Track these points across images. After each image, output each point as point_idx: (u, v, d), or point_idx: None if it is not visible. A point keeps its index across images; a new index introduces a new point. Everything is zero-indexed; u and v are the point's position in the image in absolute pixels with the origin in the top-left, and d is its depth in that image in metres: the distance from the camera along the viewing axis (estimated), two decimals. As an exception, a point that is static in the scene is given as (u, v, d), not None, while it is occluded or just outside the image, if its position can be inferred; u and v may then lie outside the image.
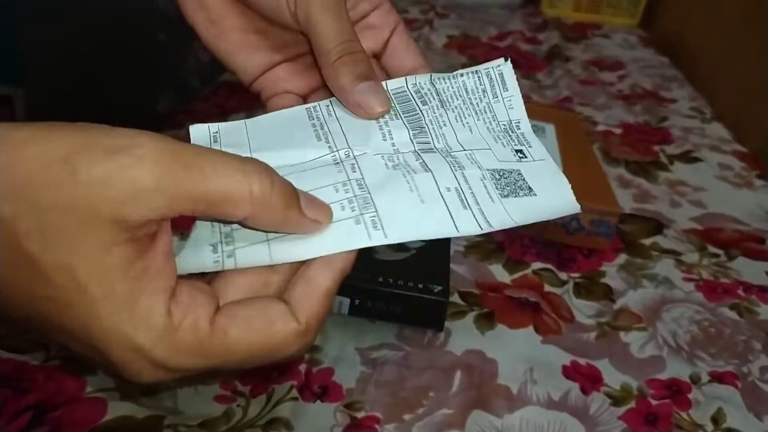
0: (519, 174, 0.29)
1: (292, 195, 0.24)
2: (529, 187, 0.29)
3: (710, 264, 0.57)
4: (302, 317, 0.24)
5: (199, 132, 0.30)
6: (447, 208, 0.27)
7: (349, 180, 0.28)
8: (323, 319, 0.25)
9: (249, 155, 0.28)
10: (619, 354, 0.47)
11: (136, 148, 0.21)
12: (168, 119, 0.68)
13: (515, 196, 0.28)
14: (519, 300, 0.51)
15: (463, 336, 0.47)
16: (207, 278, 0.25)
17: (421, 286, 0.45)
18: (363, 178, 0.28)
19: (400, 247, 0.49)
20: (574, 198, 0.29)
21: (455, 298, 0.50)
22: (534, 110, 0.70)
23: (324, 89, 0.33)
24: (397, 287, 0.45)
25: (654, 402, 0.43)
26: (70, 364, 0.41)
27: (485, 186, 0.29)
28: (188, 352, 0.22)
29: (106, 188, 0.20)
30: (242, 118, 0.31)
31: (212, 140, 0.30)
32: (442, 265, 0.48)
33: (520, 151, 0.31)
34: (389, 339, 0.46)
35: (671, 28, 1.07)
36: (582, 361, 0.46)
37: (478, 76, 0.33)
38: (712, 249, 0.59)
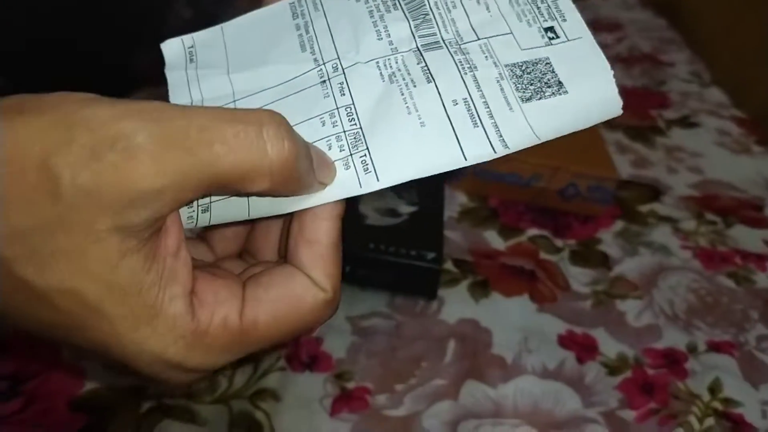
0: (547, 64, 0.24)
1: (308, 158, 0.21)
2: (559, 82, 0.23)
3: (708, 231, 0.56)
4: (326, 284, 0.22)
5: (172, 50, 0.27)
6: (453, 129, 0.23)
7: (338, 109, 0.24)
8: (340, 274, 0.23)
9: (226, 77, 0.26)
10: (615, 323, 0.46)
11: (124, 140, 0.17)
12: (146, 78, 0.65)
13: (540, 98, 0.23)
14: (514, 267, 0.50)
15: (456, 304, 0.46)
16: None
17: (413, 253, 0.44)
18: (353, 104, 0.24)
19: (391, 212, 0.48)
20: (617, 92, 0.23)
21: (448, 265, 0.49)
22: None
23: None
24: (389, 254, 0.44)
25: (650, 371, 0.42)
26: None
27: (502, 89, 0.23)
28: (222, 350, 0.21)
29: (98, 198, 0.17)
30: None
31: (188, 59, 0.27)
32: (436, 231, 0.47)
33: (551, 28, 0.24)
34: (380, 307, 0.45)
35: (670, -11, 1.04)
36: (577, 330, 0.45)
37: None
38: (709, 216, 0.57)
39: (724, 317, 0.47)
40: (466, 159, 0.22)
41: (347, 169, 0.23)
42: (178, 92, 0.26)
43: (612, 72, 0.23)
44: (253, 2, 0.28)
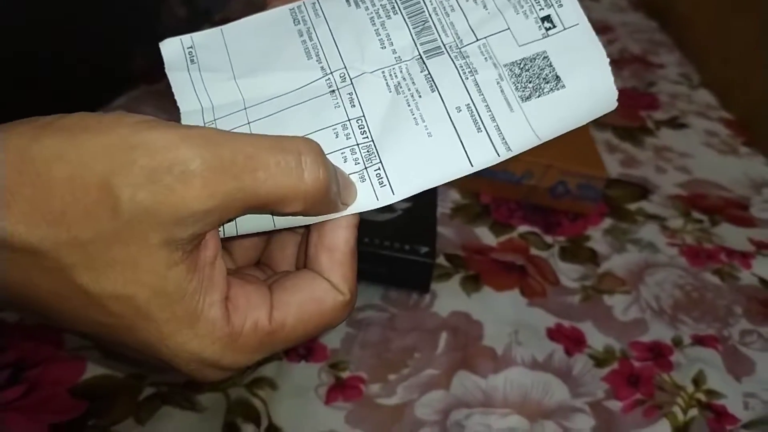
0: (545, 58, 0.24)
1: (337, 183, 0.23)
2: (557, 76, 0.24)
3: (694, 229, 0.57)
4: (344, 287, 0.24)
5: (171, 49, 0.27)
6: (458, 137, 0.24)
7: (349, 120, 0.25)
8: (356, 278, 0.25)
9: (233, 82, 0.27)
10: (602, 317, 0.47)
11: (179, 165, 0.19)
12: (142, 75, 0.66)
13: (539, 95, 0.24)
14: (505, 263, 0.51)
15: (448, 298, 0.47)
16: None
17: (407, 247, 0.45)
18: (364, 116, 0.25)
19: (386, 207, 0.49)
20: (612, 84, 0.24)
21: (441, 260, 0.50)
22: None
23: None
24: (383, 248, 0.45)
25: (636, 364, 0.44)
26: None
27: (502, 90, 0.24)
28: (252, 350, 0.23)
29: (154, 216, 0.19)
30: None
31: (189, 60, 0.27)
32: (429, 226, 0.48)
33: (547, 17, 0.25)
34: (374, 300, 0.46)
35: (661, -8, 1.05)
36: (566, 324, 0.46)
37: None
38: (696, 215, 0.59)
39: (708, 312, 0.48)
40: (472, 165, 0.24)
41: (363, 182, 0.24)
42: (185, 96, 0.27)
43: (608, 60, 0.24)
44: (248, 2, 0.29)
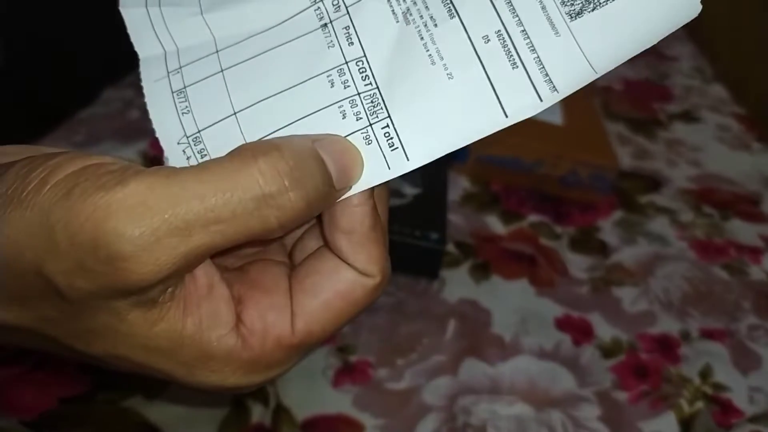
0: None
1: (325, 183, 0.19)
2: None
3: (704, 224, 0.57)
4: (373, 269, 0.21)
5: None
6: (487, 77, 0.18)
7: (347, 63, 0.20)
8: (386, 252, 0.21)
9: (200, 17, 0.22)
10: (610, 308, 0.47)
11: (104, 249, 0.16)
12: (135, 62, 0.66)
13: (593, 8, 0.18)
14: (514, 252, 0.51)
15: (457, 285, 0.47)
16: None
17: (417, 233, 0.45)
18: (365, 56, 0.20)
19: (396, 193, 0.49)
20: None
21: (450, 247, 0.50)
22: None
23: None
24: (393, 233, 0.45)
25: (644, 355, 0.44)
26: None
27: (543, 7, 0.18)
28: (281, 362, 0.21)
29: (104, 297, 0.17)
30: None
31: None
32: (439, 212, 0.48)
33: None
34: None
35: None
36: (574, 314, 0.46)
37: None
38: (706, 209, 0.59)
39: (716, 306, 0.48)
40: (507, 116, 0.18)
41: (369, 144, 0.20)
42: (143, 38, 0.22)
43: None
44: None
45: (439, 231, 0.45)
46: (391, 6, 0.20)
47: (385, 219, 0.22)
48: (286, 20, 0.21)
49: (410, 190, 0.49)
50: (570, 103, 0.60)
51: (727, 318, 0.47)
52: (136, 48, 0.22)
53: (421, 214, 0.46)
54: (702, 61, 0.85)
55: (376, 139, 0.20)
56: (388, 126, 0.19)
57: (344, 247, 0.21)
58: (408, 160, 0.19)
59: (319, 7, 0.20)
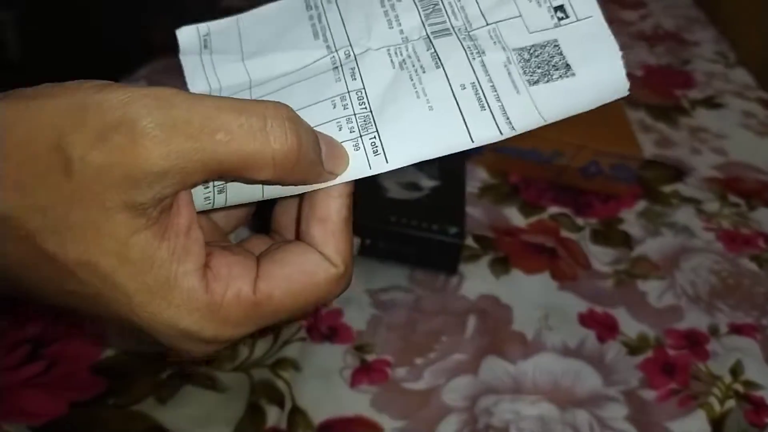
0: (555, 46, 0.24)
1: (315, 150, 0.22)
2: (567, 65, 0.23)
3: (731, 213, 0.55)
4: (337, 260, 0.23)
5: (187, 36, 0.28)
6: (460, 112, 0.23)
7: (348, 93, 0.25)
8: (351, 249, 0.24)
9: (241, 63, 0.27)
10: (636, 302, 0.45)
11: (129, 124, 0.18)
12: (164, 47, 0.65)
13: (547, 81, 0.23)
14: (535, 245, 0.49)
15: (477, 280, 0.45)
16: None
17: (435, 227, 0.43)
18: (364, 89, 0.24)
19: (413, 186, 0.47)
20: (624, 74, 0.23)
21: (469, 241, 0.48)
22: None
23: None
24: (411, 228, 0.43)
25: (671, 352, 0.42)
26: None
27: (509, 73, 0.24)
28: (236, 323, 0.21)
29: (108, 176, 0.18)
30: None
31: (203, 45, 0.28)
32: (457, 206, 0.46)
33: (560, 7, 0.24)
34: (400, 281, 0.44)
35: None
36: (598, 309, 0.45)
37: None
38: (732, 198, 0.57)
39: (746, 300, 0.47)
40: (473, 141, 0.23)
41: (357, 150, 0.23)
42: (196, 78, 0.27)
43: (621, 54, 0.23)
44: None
45: (457, 225, 0.44)
46: (390, 57, 0.25)
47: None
48: (306, 66, 0.26)
49: (427, 183, 0.48)
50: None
51: (757, 312, 0.46)
52: (189, 86, 0.27)
53: (439, 208, 0.45)
54: (724, 45, 0.82)
55: (363, 147, 0.23)
56: (375, 138, 0.23)
57: (317, 234, 0.23)
58: (387, 162, 0.23)
59: (333, 56, 0.26)
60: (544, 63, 0.24)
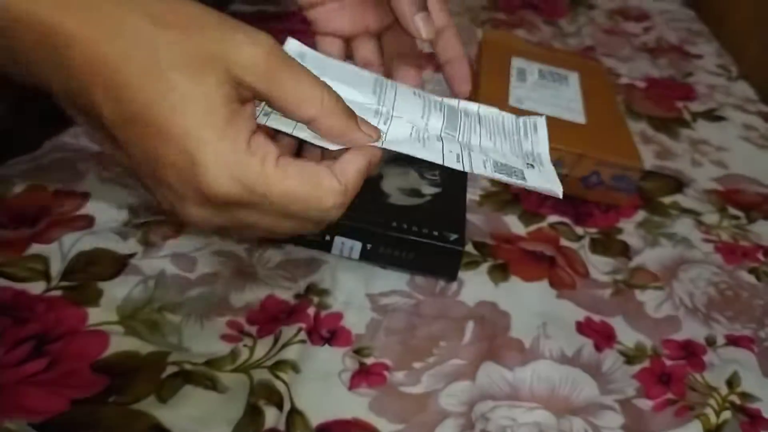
0: (520, 171, 0.34)
1: (352, 112, 0.30)
2: (524, 177, 0.33)
3: (730, 226, 0.55)
4: (343, 180, 0.29)
5: (291, 47, 0.37)
6: (442, 151, 0.33)
7: (381, 110, 0.35)
8: (357, 190, 0.30)
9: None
10: (634, 312, 0.46)
11: (255, 33, 0.27)
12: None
13: (506, 177, 0.33)
14: (534, 253, 0.49)
15: (476, 287, 0.46)
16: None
17: (435, 233, 0.44)
18: (387, 132, 0.33)
19: (415, 192, 0.48)
20: (560, 185, 0.34)
21: (469, 247, 0.49)
22: (558, 58, 0.67)
23: (364, 36, 0.41)
24: (411, 233, 0.44)
25: (668, 362, 0.42)
26: (71, 295, 0.40)
27: (487, 160, 0.34)
28: (245, 186, 0.27)
29: (228, 47, 0.26)
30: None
31: (300, 57, 0.36)
32: (458, 213, 0.47)
33: (531, 164, 0.35)
34: (400, 286, 0.45)
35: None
36: (596, 318, 0.45)
37: (517, 121, 0.39)
38: (732, 210, 0.57)
39: (744, 312, 0.47)
40: (443, 162, 0.33)
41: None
42: None
43: (560, 183, 0.34)
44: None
45: (457, 231, 0.44)
46: (411, 130, 0.35)
47: None
48: (358, 102, 0.34)
49: (429, 190, 0.48)
50: (592, 100, 0.59)
51: (755, 324, 0.46)
52: None
53: (439, 214, 0.45)
54: (727, 58, 0.83)
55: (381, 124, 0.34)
56: (386, 126, 0.34)
57: (336, 165, 0.30)
58: (385, 137, 0.33)
59: (378, 108, 0.35)
60: (509, 170, 0.34)
